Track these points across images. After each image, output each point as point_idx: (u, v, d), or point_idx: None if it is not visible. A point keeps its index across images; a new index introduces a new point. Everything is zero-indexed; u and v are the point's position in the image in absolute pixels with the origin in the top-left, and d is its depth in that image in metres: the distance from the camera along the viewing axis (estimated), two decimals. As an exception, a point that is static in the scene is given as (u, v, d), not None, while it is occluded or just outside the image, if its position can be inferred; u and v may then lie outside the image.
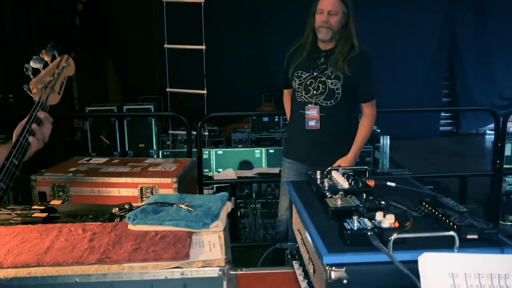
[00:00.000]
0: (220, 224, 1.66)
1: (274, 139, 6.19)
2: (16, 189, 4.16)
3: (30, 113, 1.25)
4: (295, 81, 2.70)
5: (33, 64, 1.30)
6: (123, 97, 6.62)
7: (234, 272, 1.30)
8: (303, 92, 2.67)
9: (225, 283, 1.36)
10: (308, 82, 2.64)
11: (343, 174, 1.35)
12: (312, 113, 2.64)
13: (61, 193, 2.49)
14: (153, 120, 5.42)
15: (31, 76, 1.28)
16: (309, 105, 2.64)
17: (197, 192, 3.24)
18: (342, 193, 1.18)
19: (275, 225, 3.02)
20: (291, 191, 1.39)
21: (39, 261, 1.39)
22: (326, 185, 1.25)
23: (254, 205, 4.10)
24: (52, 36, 4.90)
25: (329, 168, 1.41)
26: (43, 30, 4.80)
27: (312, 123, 2.65)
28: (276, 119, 6.45)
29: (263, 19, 4.09)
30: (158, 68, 5.12)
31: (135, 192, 2.50)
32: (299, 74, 2.69)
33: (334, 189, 1.23)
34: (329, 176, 1.37)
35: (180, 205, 1.75)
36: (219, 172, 4.96)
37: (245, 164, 5.39)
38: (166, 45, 4.52)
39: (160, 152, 5.70)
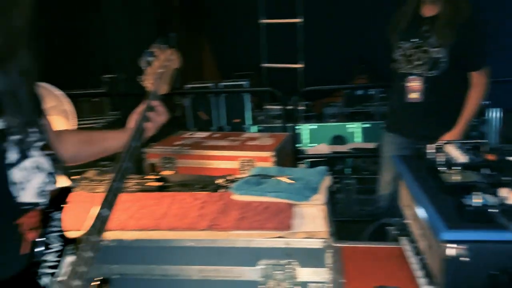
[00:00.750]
0: (320, 197, 1.68)
1: (369, 113, 5.97)
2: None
3: (146, 102, 1.37)
4: (397, 52, 2.56)
5: (146, 57, 1.42)
6: (217, 73, 6.84)
7: (339, 245, 1.32)
8: (404, 63, 2.53)
9: (329, 254, 1.39)
10: (409, 52, 2.49)
11: (459, 148, 1.27)
12: (414, 84, 2.50)
13: (169, 164, 2.68)
14: (247, 96, 5.54)
15: (145, 68, 1.40)
16: (410, 77, 2.50)
17: (292, 166, 3.29)
18: (459, 167, 1.12)
19: (375, 200, 2.94)
20: (400, 165, 1.35)
21: (157, 225, 1.54)
22: (441, 159, 1.19)
23: (348, 181, 4.05)
24: (152, 17, 5.19)
25: (444, 141, 1.33)
26: (144, 12, 5.09)
27: (413, 95, 2.50)
28: (371, 92, 6.19)
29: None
30: (252, 44, 5.18)
31: (234, 164, 2.61)
32: (400, 44, 2.54)
33: (450, 163, 1.17)
34: (442, 150, 1.31)
35: (281, 178, 1.80)
36: (312, 147, 4.96)
37: (338, 139, 5.30)
38: (261, 20, 4.54)
39: (254, 127, 5.83)
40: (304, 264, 1.42)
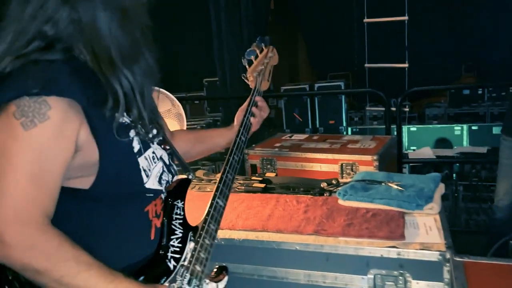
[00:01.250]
0: (435, 207, 1.57)
1: (477, 115, 5.49)
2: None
3: (249, 98, 1.42)
4: None
5: (247, 56, 1.47)
6: (312, 74, 6.80)
7: (461, 259, 1.22)
8: None
9: (446, 268, 1.29)
10: None
11: None
12: None
13: (269, 166, 2.72)
14: (342, 97, 5.43)
15: (247, 66, 1.45)
16: None
17: (396, 170, 3.14)
18: None
19: (490, 211, 2.69)
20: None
21: (264, 226, 1.56)
22: None
23: (455, 187, 3.77)
24: (250, 20, 5.31)
25: None
26: (241, 16, 5.22)
27: None
28: (480, 92, 5.70)
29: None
30: (348, 43, 5.06)
31: (335, 168, 2.56)
32: None
33: None
34: None
35: (390, 184, 1.72)
36: (413, 150, 4.70)
37: (442, 142, 4.97)
38: (365, 20, 4.42)
39: (350, 128, 5.69)
40: (417, 277, 1.34)
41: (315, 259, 1.44)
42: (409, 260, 1.34)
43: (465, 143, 4.84)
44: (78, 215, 0.93)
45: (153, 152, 1.03)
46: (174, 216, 1.07)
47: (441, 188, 1.71)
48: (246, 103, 1.43)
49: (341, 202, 1.70)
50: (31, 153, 0.83)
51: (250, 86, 1.46)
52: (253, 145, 2.86)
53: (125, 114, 0.95)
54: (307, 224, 1.55)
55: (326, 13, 5.24)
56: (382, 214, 1.56)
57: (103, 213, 0.95)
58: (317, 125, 5.74)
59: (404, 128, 5.02)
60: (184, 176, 1.15)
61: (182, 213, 1.09)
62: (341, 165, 2.53)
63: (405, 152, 4.49)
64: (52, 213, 0.87)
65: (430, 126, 5.22)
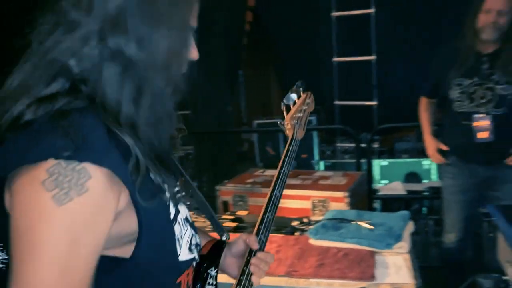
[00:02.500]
0: (405, 245, 1.59)
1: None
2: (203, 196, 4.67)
3: (287, 148, 1.29)
4: (454, 89, 2.44)
5: (286, 101, 1.34)
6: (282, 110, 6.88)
7: (430, 301, 1.22)
8: (467, 102, 2.42)
9: (417, 310, 1.29)
10: (471, 90, 2.40)
11: None
12: (483, 123, 2.38)
13: (241, 202, 2.70)
14: (315, 131, 5.51)
15: (285, 113, 1.32)
16: (477, 115, 2.38)
17: (367, 206, 3.17)
18: None
19: (452, 245, 2.77)
20: (498, 216, 1.25)
21: (234, 268, 1.53)
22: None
23: (426, 221, 3.82)
24: (224, 56, 5.40)
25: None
26: (216, 51, 5.31)
27: (482, 134, 2.38)
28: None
29: (434, 25, 3.82)
30: (322, 80, 5.20)
31: (307, 204, 2.56)
32: (459, 81, 2.43)
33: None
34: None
35: (360, 223, 1.73)
36: (384, 185, 4.77)
37: (412, 176, 5.07)
38: (334, 59, 4.57)
39: (322, 162, 5.75)
40: (389, 319, 1.33)
41: (287, 301, 1.41)
42: (380, 302, 1.34)
43: (433, 177, 4.96)
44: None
45: (182, 214, 0.87)
46: (207, 286, 0.96)
47: (410, 226, 1.73)
48: (283, 155, 1.27)
49: (312, 241, 1.69)
50: (65, 236, 0.67)
51: (287, 135, 1.32)
52: (225, 180, 2.85)
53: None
54: (279, 265, 1.53)
55: (298, 50, 5.39)
56: (353, 253, 1.56)
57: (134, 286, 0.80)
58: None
59: (375, 162, 5.11)
60: (218, 238, 1.03)
61: (214, 282, 0.98)
62: (313, 201, 2.54)
63: (377, 187, 4.56)
64: None
65: (400, 160, 5.33)
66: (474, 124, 2.39)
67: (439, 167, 2.69)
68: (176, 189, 0.86)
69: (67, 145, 0.66)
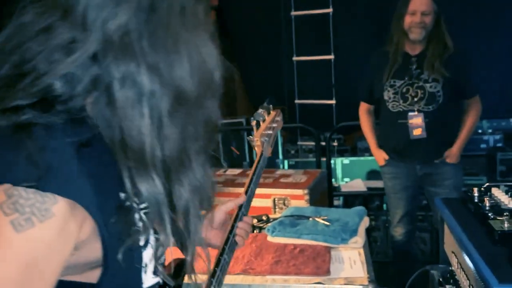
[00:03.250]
0: (359, 240, 1.62)
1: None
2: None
3: (255, 166, 1.29)
4: (388, 91, 2.60)
5: (256, 118, 1.34)
6: (249, 109, 6.90)
7: (381, 293, 1.24)
8: (401, 101, 2.54)
9: (369, 303, 1.31)
10: (404, 90, 2.55)
11: (506, 192, 1.20)
12: (416, 121, 2.51)
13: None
14: (278, 131, 5.53)
15: (255, 129, 1.33)
16: (410, 113, 2.51)
17: (327, 203, 3.21)
18: (508, 214, 1.05)
19: (390, 235, 2.96)
20: (443, 209, 1.29)
21: (190, 268, 1.51)
22: (487, 204, 1.13)
23: (386, 217, 3.91)
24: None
25: (487, 184, 1.27)
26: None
27: (417, 132, 2.53)
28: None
29: (390, 23, 3.95)
30: (283, 79, 5.24)
31: (268, 202, 2.57)
32: (392, 82, 2.57)
33: (498, 209, 1.10)
34: (488, 193, 1.24)
35: (317, 219, 1.75)
36: (346, 182, 4.86)
37: (374, 174, 5.18)
38: (294, 58, 4.60)
39: (286, 161, 5.79)
40: (343, 312, 1.35)
41: (243, 299, 1.41)
42: (334, 296, 1.35)
43: (393, 174, 5.08)
44: None
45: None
46: None
47: (365, 222, 1.76)
48: (252, 170, 1.26)
49: (270, 238, 1.69)
50: (22, 263, 0.61)
51: (256, 151, 1.33)
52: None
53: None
54: (236, 263, 1.52)
55: (260, 49, 5.42)
56: (309, 249, 1.57)
57: None
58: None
59: (338, 161, 5.20)
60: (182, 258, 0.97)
61: None
62: (274, 199, 2.55)
63: (338, 184, 4.63)
64: None
65: (362, 158, 5.44)
66: (409, 121, 2.52)
67: (380, 168, 2.82)
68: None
69: (28, 172, 0.60)
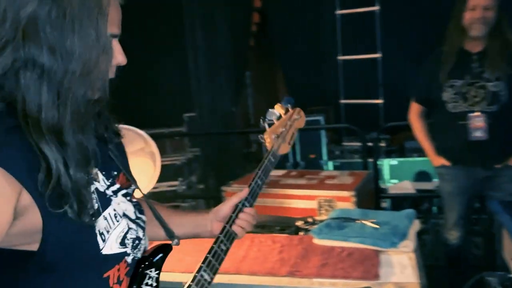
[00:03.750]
0: (410, 244, 1.56)
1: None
2: (208, 198, 4.66)
3: (263, 160, 1.29)
4: (448, 92, 2.46)
5: (268, 116, 1.35)
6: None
7: (434, 300, 1.19)
8: (461, 102, 2.42)
9: (421, 310, 1.27)
10: (464, 90, 2.41)
11: None
12: (478, 122, 2.39)
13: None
14: (323, 131, 5.47)
15: (266, 127, 1.33)
16: (471, 114, 2.38)
17: (374, 206, 3.14)
18: None
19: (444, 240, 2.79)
20: (503, 214, 1.22)
21: (237, 269, 1.52)
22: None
23: (436, 221, 3.77)
24: (230, 57, 5.40)
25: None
26: (222, 53, 5.31)
27: (478, 133, 2.39)
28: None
29: (440, 21, 3.79)
30: (327, 79, 5.17)
31: (313, 204, 2.54)
32: (452, 83, 2.44)
33: None
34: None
35: (365, 222, 1.71)
36: (393, 184, 4.72)
37: (423, 176, 5.00)
38: (339, 57, 4.54)
39: (331, 163, 5.71)
40: (393, 319, 1.31)
41: (290, 302, 1.40)
42: (383, 301, 1.31)
43: (444, 175, 4.88)
44: (24, 284, 0.82)
45: (115, 210, 0.91)
46: (144, 287, 0.95)
47: (416, 225, 1.70)
48: (262, 163, 1.26)
49: (316, 241, 1.67)
50: None
51: (267, 148, 1.33)
52: (230, 181, 2.83)
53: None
54: (282, 265, 1.51)
55: (304, 50, 5.38)
56: (357, 253, 1.54)
57: (52, 281, 0.83)
58: (298, 159, 5.76)
59: (385, 162, 5.07)
60: (166, 242, 1.04)
61: (155, 284, 0.97)
62: (319, 201, 2.52)
63: (385, 186, 4.50)
64: None
65: (410, 159, 5.27)
66: (470, 123, 2.39)
67: (436, 169, 2.70)
68: (104, 185, 0.90)
69: None
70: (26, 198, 0.77)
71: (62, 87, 0.79)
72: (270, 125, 1.34)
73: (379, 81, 4.42)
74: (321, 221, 1.82)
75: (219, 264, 1.08)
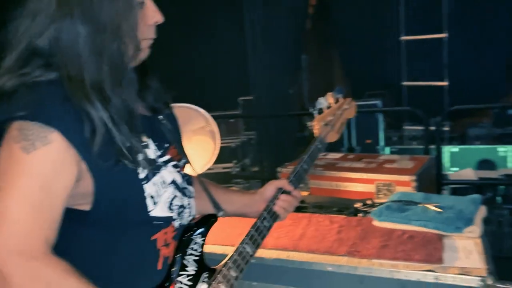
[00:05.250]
0: (476, 230, 1.50)
1: (524, 136, 5.24)
2: (263, 179, 4.72)
3: (309, 146, 1.34)
4: None
5: (319, 104, 1.40)
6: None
7: (504, 286, 1.15)
8: None
9: (488, 296, 1.22)
10: None
11: None
12: None
13: (302, 185, 2.68)
14: (380, 115, 5.32)
15: (316, 114, 1.38)
16: None
17: (436, 192, 3.03)
18: None
19: None
20: None
21: (295, 246, 1.53)
22: None
23: (500, 211, 3.58)
24: (285, 39, 5.35)
25: None
26: (279, 35, 5.27)
27: None
28: (527, 112, 5.42)
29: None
30: (387, 61, 5.00)
31: (371, 188, 2.49)
32: None
33: None
34: None
35: (427, 205, 1.66)
36: (455, 171, 4.53)
37: (485, 164, 4.75)
38: (402, 37, 4.38)
39: (387, 148, 5.56)
40: (456, 304, 1.27)
41: (348, 281, 1.40)
42: (447, 285, 1.28)
43: (510, 164, 4.62)
44: (79, 240, 0.90)
45: (163, 177, 0.96)
46: (189, 251, 0.99)
47: (482, 211, 1.63)
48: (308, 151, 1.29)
49: (376, 223, 1.65)
50: (35, 178, 0.81)
51: (315, 134, 1.38)
52: (286, 163, 2.84)
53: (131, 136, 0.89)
54: (340, 245, 1.51)
55: (363, 30, 5.21)
56: (419, 236, 1.50)
57: (104, 239, 0.90)
58: (353, 144, 5.65)
59: (445, 149, 4.86)
60: (213, 213, 1.09)
61: (200, 249, 1.02)
62: (377, 185, 2.47)
63: (446, 173, 4.33)
64: (54, 241, 0.84)
65: (473, 146, 5.02)
66: None
67: None
68: (155, 155, 0.95)
69: (23, 107, 0.81)
70: (83, 166, 0.85)
71: (96, 43, 0.85)
72: (320, 113, 1.38)
73: (444, 62, 4.21)
74: (381, 203, 1.79)
75: (262, 239, 1.12)
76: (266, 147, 5.14)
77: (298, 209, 1.88)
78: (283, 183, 1.23)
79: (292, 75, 5.67)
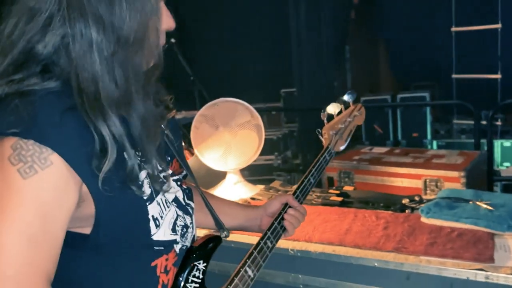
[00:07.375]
0: (530, 229, 1.45)
1: None
2: (304, 172, 4.72)
3: (318, 157, 1.30)
4: None
5: (329, 110, 1.35)
6: (394, 85, 6.57)
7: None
8: None
9: (542, 298, 1.19)
10: None
11: None
12: None
13: (346, 179, 2.68)
14: (427, 108, 5.17)
15: (325, 121, 1.34)
16: None
17: (486, 188, 2.93)
18: None
19: None
20: None
21: (341, 241, 1.54)
22: None
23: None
24: (329, 30, 5.29)
25: None
26: (323, 25, 5.21)
27: None
28: None
29: None
30: (437, 52, 4.83)
31: (418, 183, 2.46)
32: None
33: None
34: None
35: (478, 203, 1.62)
36: (507, 167, 4.35)
37: (541, 160, 4.53)
38: (453, 28, 4.22)
39: (435, 142, 5.40)
40: (508, 305, 1.25)
41: (395, 277, 1.40)
42: (498, 285, 1.25)
43: None
44: (75, 265, 0.83)
45: (165, 195, 0.89)
46: (191, 278, 0.93)
47: (537, 210, 1.57)
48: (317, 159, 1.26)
49: (423, 220, 1.63)
50: (32, 207, 0.72)
51: (323, 144, 1.33)
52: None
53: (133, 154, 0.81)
54: (387, 240, 1.51)
55: (411, 21, 5.06)
56: (469, 234, 1.48)
57: (102, 265, 0.84)
58: (399, 138, 5.53)
59: (497, 143, 4.67)
60: (216, 234, 1.03)
61: (201, 276, 0.95)
62: (425, 181, 2.43)
63: (497, 169, 4.16)
64: (53, 274, 0.76)
65: (527, 141, 4.79)
66: None
67: None
68: (156, 170, 0.86)
69: (15, 122, 0.71)
70: (84, 189, 0.77)
71: (117, 57, 0.76)
72: (329, 120, 1.33)
73: (498, 54, 4.03)
74: (429, 200, 1.76)
75: (264, 261, 1.06)
76: (308, 140, 5.14)
77: (344, 204, 1.89)
78: (288, 198, 1.19)
79: (336, 67, 5.61)
